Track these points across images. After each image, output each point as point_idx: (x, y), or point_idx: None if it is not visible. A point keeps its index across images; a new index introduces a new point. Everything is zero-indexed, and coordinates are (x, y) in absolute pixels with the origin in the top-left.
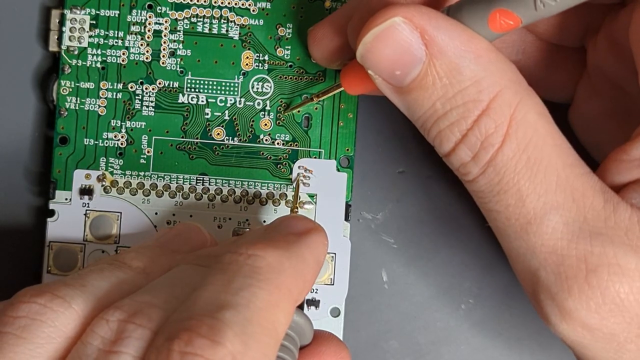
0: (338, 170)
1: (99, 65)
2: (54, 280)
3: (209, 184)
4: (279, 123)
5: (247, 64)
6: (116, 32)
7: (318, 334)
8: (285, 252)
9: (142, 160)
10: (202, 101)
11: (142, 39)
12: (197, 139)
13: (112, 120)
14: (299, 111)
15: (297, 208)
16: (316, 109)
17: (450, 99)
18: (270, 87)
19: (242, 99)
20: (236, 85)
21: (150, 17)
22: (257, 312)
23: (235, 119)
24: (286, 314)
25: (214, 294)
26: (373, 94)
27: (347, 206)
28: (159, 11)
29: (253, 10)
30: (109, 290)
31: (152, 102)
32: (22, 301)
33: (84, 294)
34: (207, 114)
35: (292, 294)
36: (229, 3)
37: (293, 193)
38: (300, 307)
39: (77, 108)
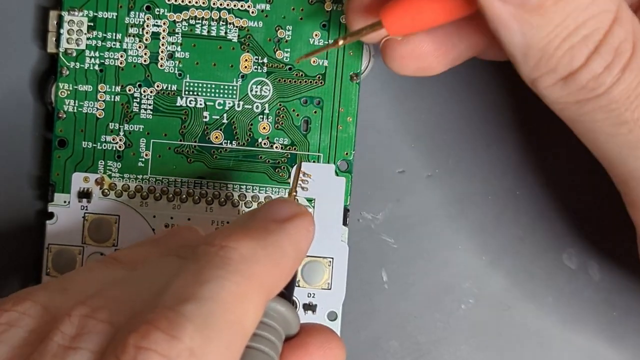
0: (337, 174)
1: (96, 67)
2: (41, 284)
3: (207, 188)
4: (277, 127)
5: (245, 67)
6: (114, 34)
7: (307, 325)
8: (260, 242)
9: (140, 164)
10: (201, 104)
11: (140, 41)
12: (195, 142)
13: (110, 123)
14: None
15: (295, 192)
16: (315, 112)
17: (584, 10)
18: (269, 90)
19: (241, 102)
20: (235, 88)
21: (148, 19)
22: (222, 305)
23: (233, 122)
24: (256, 307)
25: (181, 287)
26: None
27: (346, 211)
28: (157, 13)
29: (252, 12)
30: (92, 292)
31: (150, 105)
32: (3, 309)
33: (61, 298)
34: (206, 117)
35: (264, 286)
36: (227, 5)
37: (293, 175)
38: (286, 298)
39: (75, 111)
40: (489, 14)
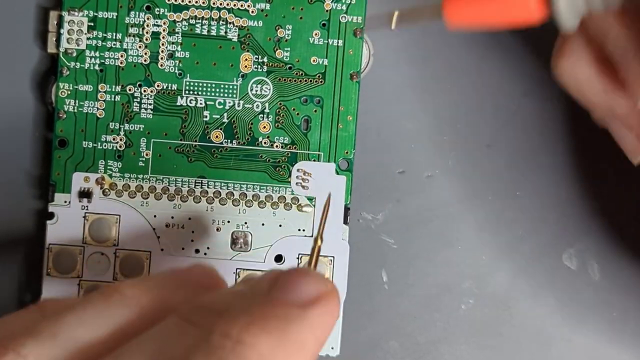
0: (337, 173)
1: (97, 67)
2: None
3: (208, 187)
4: (277, 126)
5: (246, 66)
6: (114, 34)
7: None
8: (280, 338)
9: (140, 163)
10: (201, 103)
11: (140, 40)
12: (195, 141)
13: (110, 123)
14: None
15: (321, 239)
16: (315, 111)
17: None
18: (269, 89)
19: (241, 102)
20: (235, 87)
21: (148, 18)
22: None
23: (233, 121)
24: None
25: None
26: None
27: (346, 209)
28: (157, 13)
29: (252, 12)
30: (86, 338)
31: (150, 104)
32: None
33: (51, 349)
34: (206, 116)
35: None
36: (227, 4)
37: (322, 216)
38: None
39: (75, 111)
40: None
